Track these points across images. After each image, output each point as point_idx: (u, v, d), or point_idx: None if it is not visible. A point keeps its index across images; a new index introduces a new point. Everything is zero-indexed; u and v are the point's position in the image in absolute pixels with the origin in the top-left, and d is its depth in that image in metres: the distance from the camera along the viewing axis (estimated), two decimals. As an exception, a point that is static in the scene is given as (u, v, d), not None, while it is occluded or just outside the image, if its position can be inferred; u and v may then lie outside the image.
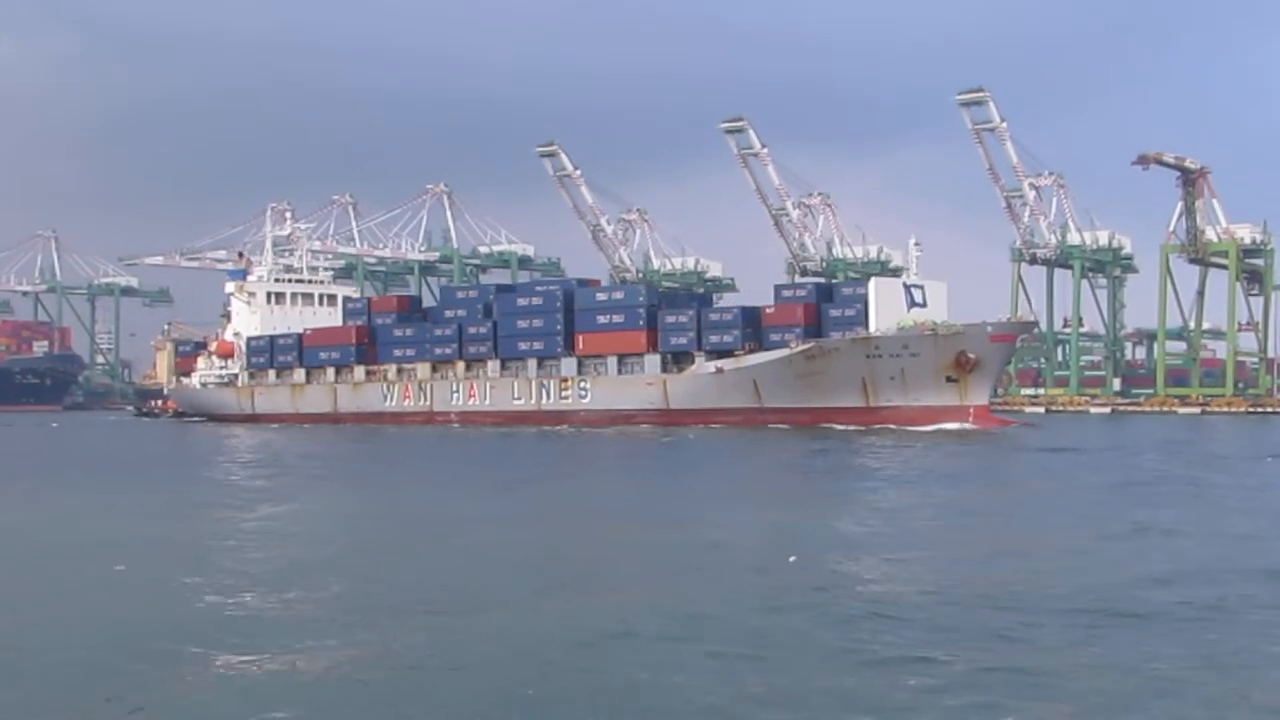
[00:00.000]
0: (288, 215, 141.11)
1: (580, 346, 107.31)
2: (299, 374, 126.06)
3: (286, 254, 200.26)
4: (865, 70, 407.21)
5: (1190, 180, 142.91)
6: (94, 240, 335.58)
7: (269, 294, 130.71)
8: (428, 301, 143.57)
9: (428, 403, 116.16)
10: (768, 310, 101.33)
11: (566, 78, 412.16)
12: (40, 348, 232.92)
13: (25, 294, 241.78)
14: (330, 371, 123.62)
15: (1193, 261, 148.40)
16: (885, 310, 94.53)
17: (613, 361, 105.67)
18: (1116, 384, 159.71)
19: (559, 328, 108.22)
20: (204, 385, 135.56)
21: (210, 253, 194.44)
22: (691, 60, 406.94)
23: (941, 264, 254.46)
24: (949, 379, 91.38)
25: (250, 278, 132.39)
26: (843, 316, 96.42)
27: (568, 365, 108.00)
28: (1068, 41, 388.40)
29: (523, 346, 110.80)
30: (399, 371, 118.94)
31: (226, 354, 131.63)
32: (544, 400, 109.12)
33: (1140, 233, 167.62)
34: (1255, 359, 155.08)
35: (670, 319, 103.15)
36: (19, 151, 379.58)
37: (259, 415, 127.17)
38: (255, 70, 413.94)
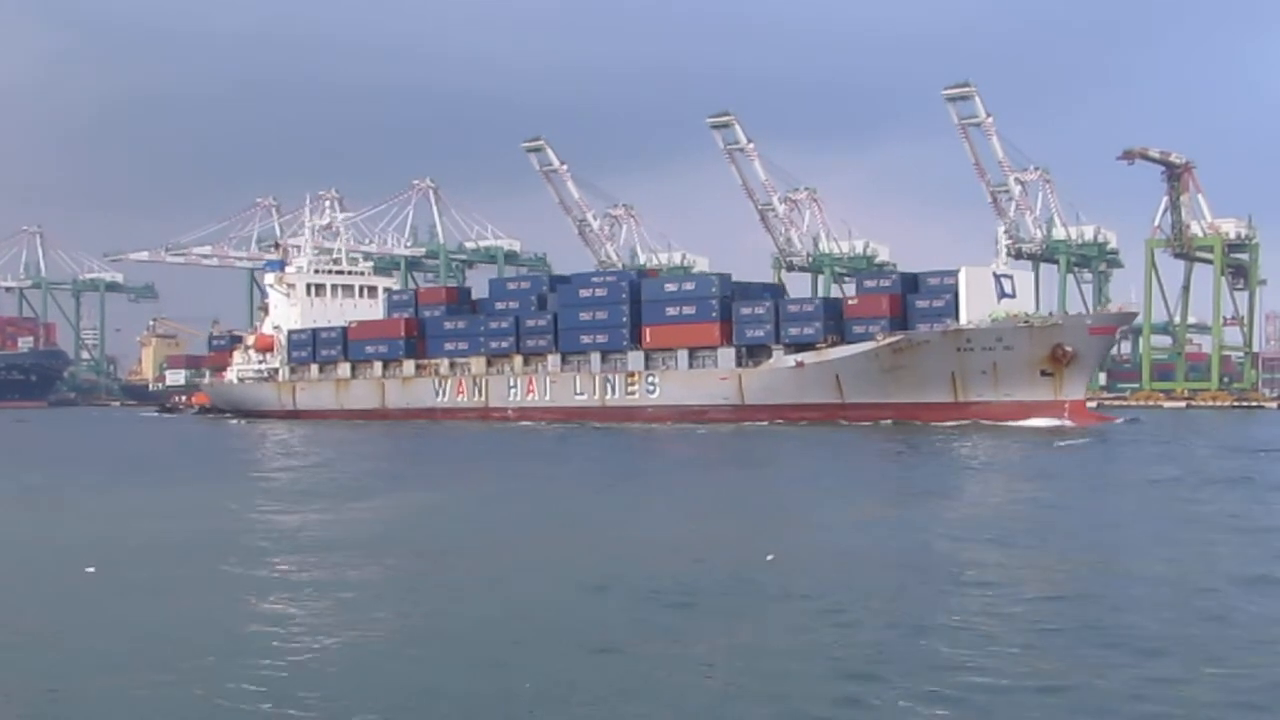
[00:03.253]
0: (330, 205, 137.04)
1: (647, 339, 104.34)
2: (344, 368, 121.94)
3: (272, 248, 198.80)
4: (852, 65, 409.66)
5: (1175, 175, 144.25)
6: (80, 236, 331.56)
7: (309, 285, 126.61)
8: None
9: (483, 398, 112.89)
10: (850, 301, 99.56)
11: (553, 72, 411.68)
12: (25, 343, 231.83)
13: (10, 290, 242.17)
14: (377, 366, 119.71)
15: (1178, 256, 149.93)
16: (976, 301, 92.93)
17: (683, 355, 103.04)
18: (1102, 378, 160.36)
19: (624, 320, 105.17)
20: (241, 380, 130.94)
21: (196, 248, 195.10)
22: (678, 55, 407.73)
23: (927, 259, 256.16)
24: (1043, 373, 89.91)
25: (289, 269, 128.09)
26: (930, 308, 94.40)
27: (634, 359, 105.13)
28: (1054, 36, 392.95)
29: (585, 340, 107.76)
30: (451, 366, 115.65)
31: (265, 348, 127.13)
32: (608, 395, 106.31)
33: (1126, 227, 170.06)
34: (1240, 353, 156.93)
35: (746, 310, 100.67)
36: (4, 147, 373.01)
37: (300, 411, 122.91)
38: (241, 66, 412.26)
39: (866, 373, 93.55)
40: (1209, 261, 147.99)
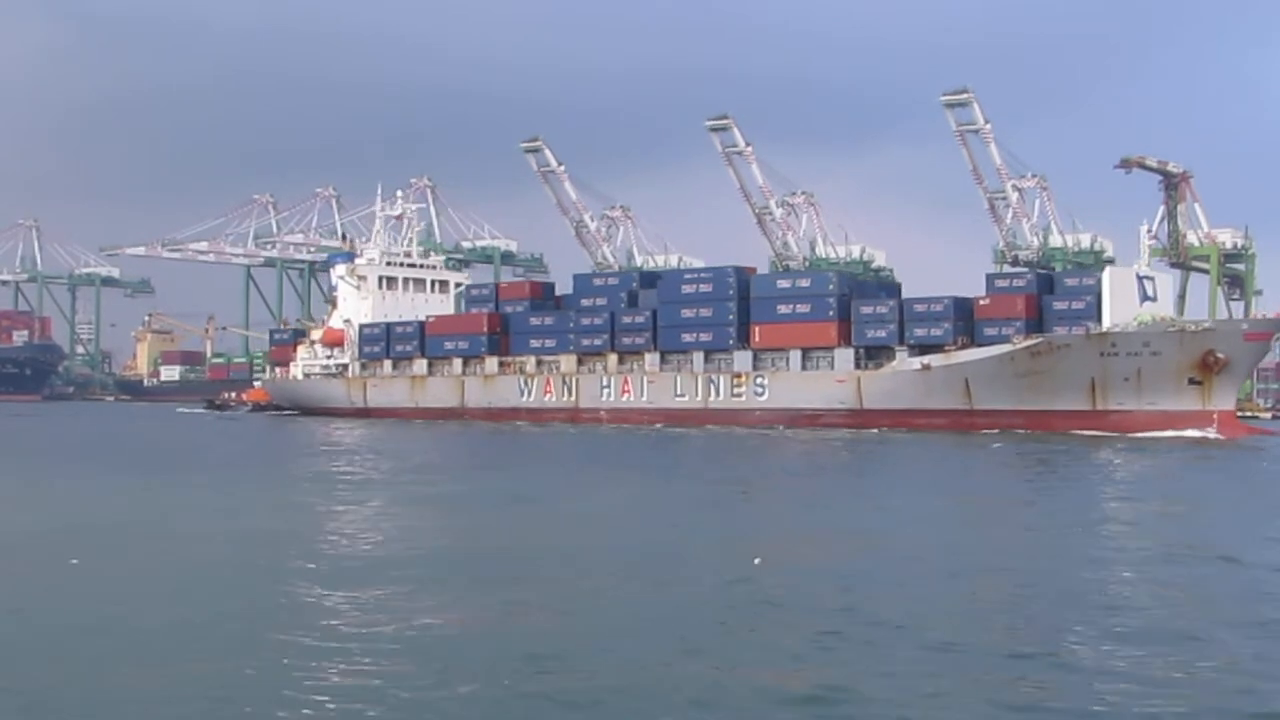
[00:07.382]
0: (389, 199, 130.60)
1: (756, 339, 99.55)
2: (420, 365, 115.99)
3: (266, 242, 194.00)
4: (850, 69, 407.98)
5: (1172, 184, 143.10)
6: (75, 230, 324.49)
7: (380, 278, 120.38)
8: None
9: (572, 398, 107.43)
10: (981, 301, 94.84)
11: (551, 72, 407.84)
12: (20, 337, 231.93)
13: (5, 283, 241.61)
14: (457, 363, 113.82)
15: (1174, 265, 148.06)
16: (1120, 303, 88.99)
17: (795, 355, 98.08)
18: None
19: (731, 318, 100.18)
20: (307, 376, 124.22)
21: (192, 244, 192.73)
22: (677, 56, 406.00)
23: (923, 265, 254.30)
24: (1191, 380, 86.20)
25: (359, 261, 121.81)
26: (1069, 309, 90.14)
27: (741, 359, 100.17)
28: (1053, 43, 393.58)
29: (687, 338, 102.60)
30: (538, 364, 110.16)
31: (334, 342, 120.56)
32: (712, 397, 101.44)
33: (1122, 236, 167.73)
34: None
35: (867, 309, 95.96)
36: (1, 140, 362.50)
37: (372, 410, 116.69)
38: (237, 61, 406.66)
39: (999, 377, 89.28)
40: (1205, 271, 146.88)
